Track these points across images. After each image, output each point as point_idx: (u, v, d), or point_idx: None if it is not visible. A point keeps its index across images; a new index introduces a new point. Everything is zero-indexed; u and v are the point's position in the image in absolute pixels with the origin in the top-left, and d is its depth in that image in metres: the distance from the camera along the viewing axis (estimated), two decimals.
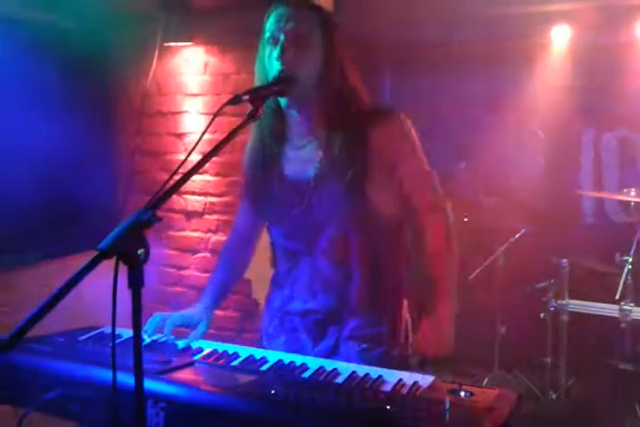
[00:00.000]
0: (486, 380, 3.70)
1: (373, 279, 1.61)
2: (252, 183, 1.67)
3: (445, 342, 1.50)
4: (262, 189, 1.63)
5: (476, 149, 4.27)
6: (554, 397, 3.32)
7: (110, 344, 1.39)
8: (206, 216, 3.42)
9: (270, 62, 1.51)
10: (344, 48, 1.56)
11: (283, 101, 1.55)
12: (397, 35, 3.98)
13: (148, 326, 1.62)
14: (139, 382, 1.07)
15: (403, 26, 3.95)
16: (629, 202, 3.45)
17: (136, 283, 1.05)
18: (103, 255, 1.01)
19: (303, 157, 1.59)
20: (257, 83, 1.57)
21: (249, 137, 3.12)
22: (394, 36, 3.98)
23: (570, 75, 4.13)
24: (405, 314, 1.69)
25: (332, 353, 1.62)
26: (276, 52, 1.49)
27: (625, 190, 3.39)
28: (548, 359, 3.43)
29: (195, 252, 3.46)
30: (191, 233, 3.46)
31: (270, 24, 1.52)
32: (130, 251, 1.03)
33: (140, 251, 1.05)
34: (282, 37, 1.49)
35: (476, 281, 3.72)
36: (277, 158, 1.61)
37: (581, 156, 4.34)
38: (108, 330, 1.64)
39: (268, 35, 1.52)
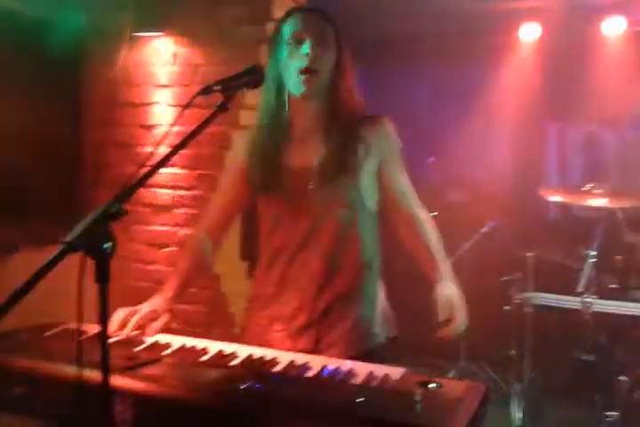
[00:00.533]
0: (453, 372, 3.76)
1: (362, 267, 1.72)
2: (256, 173, 1.73)
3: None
4: (266, 179, 1.71)
5: (445, 144, 4.31)
6: (518, 388, 3.38)
7: (77, 339, 1.37)
8: (175, 210, 3.38)
9: (292, 59, 1.64)
10: (349, 52, 1.73)
11: (300, 90, 1.65)
12: (368, 28, 3.99)
13: (112, 322, 1.59)
14: (105, 377, 1.06)
15: (374, 19, 3.96)
16: (592, 197, 3.51)
17: (103, 277, 1.04)
18: (69, 249, 0.99)
19: (306, 149, 1.70)
20: (269, 82, 1.67)
21: (218, 129, 3.12)
22: (365, 30, 3.99)
23: (538, 71, 4.19)
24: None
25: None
26: (303, 50, 1.63)
27: (587, 186, 3.46)
28: (513, 351, 3.49)
29: (162, 246, 3.42)
30: (159, 227, 3.42)
31: (292, 26, 1.67)
32: (96, 245, 1.02)
33: (107, 245, 1.03)
34: (307, 37, 1.64)
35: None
36: (280, 150, 1.71)
37: (547, 151, 4.42)
38: (73, 326, 1.61)
39: (288, 35, 1.66)
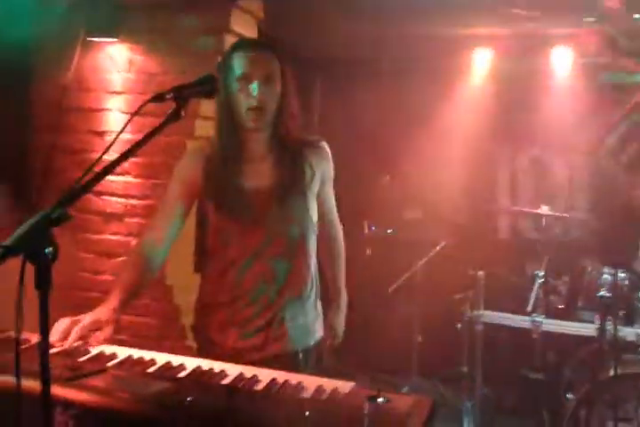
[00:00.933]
0: (405, 388, 3.76)
1: (309, 278, 1.93)
2: (215, 193, 1.85)
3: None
4: (224, 198, 1.83)
5: (400, 164, 4.37)
6: (469, 405, 3.41)
7: (17, 349, 1.31)
8: (127, 219, 3.31)
9: (241, 97, 1.78)
10: (294, 82, 1.87)
11: (249, 125, 1.81)
12: (327, 51, 4.03)
13: (54, 332, 1.54)
14: (45, 387, 1.01)
15: (333, 42, 4.01)
16: (541, 219, 3.60)
17: (43, 283, 0.99)
18: (8, 253, 0.95)
19: (259, 171, 1.85)
20: (221, 107, 1.83)
21: (174, 139, 3.08)
22: (324, 52, 4.03)
23: (489, 95, 4.30)
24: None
25: None
26: (252, 90, 1.77)
27: (538, 208, 3.55)
28: (464, 368, 3.52)
29: (113, 256, 3.34)
30: (110, 236, 3.34)
31: (242, 64, 1.79)
32: (37, 249, 0.98)
33: (48, 249, 0.99)
34: (255, 79, 1.77)
35: (397, 292, 3.78)
36: (237, 172, 1.84)
37: (498, 173, 4.53)
38: (13, 334, 1.55)
39: (240, 73, 1.79)
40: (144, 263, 1.82)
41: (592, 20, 3.55)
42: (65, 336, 1.54)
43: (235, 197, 1.82)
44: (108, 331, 1.61)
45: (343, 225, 2.14)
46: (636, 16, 3.46)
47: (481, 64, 4.35)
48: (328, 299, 2.11)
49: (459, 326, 3.50)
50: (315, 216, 1.93)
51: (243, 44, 1.88)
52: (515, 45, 4.08)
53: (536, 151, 4.48)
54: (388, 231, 3.64)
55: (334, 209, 2.07)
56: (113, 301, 1.70)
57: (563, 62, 4.20)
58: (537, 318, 3.24)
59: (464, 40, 4.12)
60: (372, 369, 3.59)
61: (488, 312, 3.41)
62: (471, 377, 3.44)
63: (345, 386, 1.35)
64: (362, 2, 3.39)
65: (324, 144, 1.97)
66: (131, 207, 3.29)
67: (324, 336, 2.00)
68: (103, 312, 1.65)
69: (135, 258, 1.84)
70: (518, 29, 3.90)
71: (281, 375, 1.40)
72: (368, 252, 4.08)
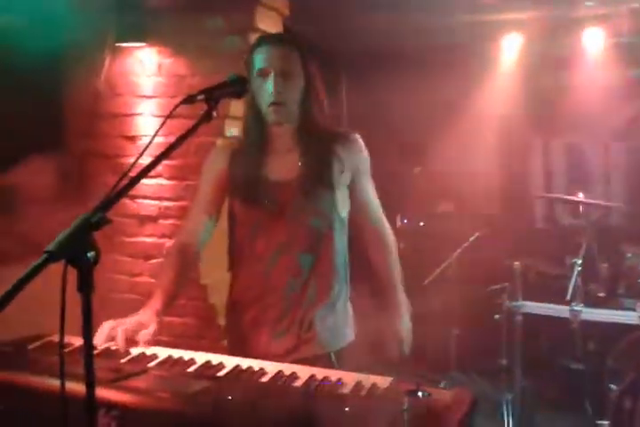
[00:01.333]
0: (443, 382, 3.73)
1: (337, 275, 1.87)
2: (240, 186, 1.84)
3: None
4: (248, 191, 1.83)
5: (431, 155, 4.33)
6: (509, 398, 3.37)
7: (61, 352, 1.35)
8: (161, 221, 3.35)
9: (261, 92, 1.79)
10: (319, 71, 1.86)
11: (271, 119, 1.80)
12: (351, 45, 4.01)
13: (99, 335, 1.57)
14: (90, 390, 1.04)
15: (359, 35, 3.98)
16: (577, 206, 3.54)
17: (86, 287, 1.02)
18: (51, 258, 0.97)
19: (285, 164, 1.83)
20: (245, 105, 1.86)
21: (205, 140, 3.10)
22: (348, 47, 4.01)
23: (520, 82, 4.23)
24: None
25: None
26: (268, 86, 1.76)
27: (575, 195, 3.49)
28: (503, 361, 3.48)
29: (149, 257, 3.39)
30: (145, 238, 3.39)
31: (260, 60, 1.79)
32: (79, 253, 1.00)
33: (90, 253, 1.01)
34: (272, 74, 1.76)
35: (432, 285, 3.76)
36: (262, 164, 1.84)
37: (531, 162, 4.45)
38: (57, 338, 1.58)
39: (258, 69, 1.79)
40: (181, 264, 1.84)
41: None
42: (110, 339, 1.57)
43: (259, 189, 1.81)
44: (151, 333, 1.63)
45: None
46: None
47: (510, 50, 4.29)
48: (385, 303, 1.90)
49: (497, 317, 3.46)
50: (344, 211, 1.88)
51: (263, 39, 1.87)
52: (544, 29, 4.00)
53: (570, 137, 4.40)
54: (421, 224, 3.62)
55: (374, 204, 1.96)
56: (155, 303, 1.72)
57: (595, 44, 4.11)
58: (576, 307, 3.18)
59: (492, 26, 4.06)
60: (409, 364, 3.57)
61: (527, 303, 3.36)
62: (510, 370, 3.40)
63: (384, 381, 1.35)
64: None
65: (356, 137, 1.92)
66: (164, 209, 3.33)
67: (387, 346, 1.82)
68: (147, 315, 1.67)
69: (172, 259, 1.86)
70: (547, 12, 3.83)
71: (320, 372, 1.41)
72: (401, 245, 4.05)
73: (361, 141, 1.92)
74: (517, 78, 4.24)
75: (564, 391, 3.30)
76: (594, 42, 4.10)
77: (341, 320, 1.88)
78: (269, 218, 1.81)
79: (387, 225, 1.98)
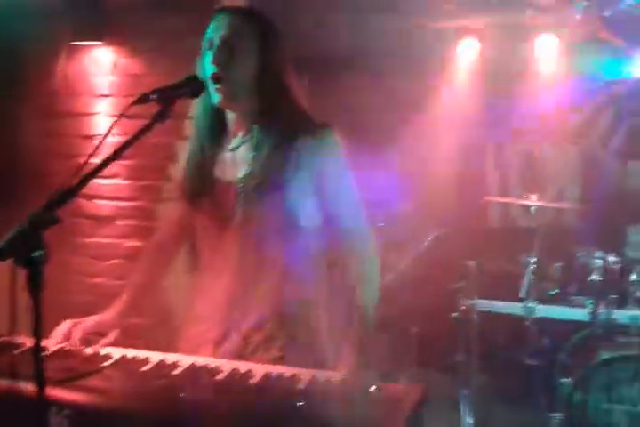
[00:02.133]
0: (402, 378, 3.78)
1: (298, 289, 1.60)
2: (188, 186, 1.64)
3: None
4: (193, 193, 1.62)
5: (389, 157, 4.37)
6: (466, 393, 3.43)
7: (11, 353, 1.33)
8: (118, 221, 3.32)
9: (205, 67, 1.56)
10: (284, 54, 1.61)
11: (215, 98, 1.55)
12: (313, 49, 4.01)
13: (55, 334, 1.55)
14: (40, 390, 1.03)
15: (317, 39, 4.00)
16: (530, 207, 3.63)
17: (34, 287, 1.00)
18: None
19: (235, 159, 1.60)
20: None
21: (162, 140, 3.08)
22: (310, 50, 4.01)
23: (476, 87, 4.31)
24: None
25: None
26: (209, 56, 1.55)
27: (525, 196, 3.59)
28: (461, 357, 3.54)
29: (106, 258, 3.35)
30: (102, 239, 3.35)
31: (210, 29, 1.58)
32: (26, 252, 0.99)
33: (38, 253, 1.00)
34: (216, 42, 1.55)
35: (391, 284, 3.80)
36: (209, 161, 1.62)
37: (487, 164, 4.55)
38: (7, 339, 1.56)
39: (205, 39, 1.59)
40: (151, 265, 1.77)
41: (585, 4, 3.57)
42: (66, 338, 1.54)
43: (206, 189, 1.60)
44: (112, 334, 1.60)
45: None
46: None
47: (466, 56, 4.36)
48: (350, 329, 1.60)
49: (454, 315, 3.52)
50: (304, 219, 1.57)
51: (220, 9, 1.63)
52: (499, 35, 4.09)
53: (525, 140, 4.50)
54: (380, 225, 3.66)
55: (351, 211, 1.61)
56: (119, 304, 1.68)
57: (548, 50, 4.21)
58: (530, 305, 3.27)
59: (449, 31, 4.14)
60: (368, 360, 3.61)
61: (482, 301, 3.43)
62: (467, 366, 3.46)
63: (338, 376, 1.37)
64: None
65: (329, 132, 1.59)
66: (121, 210, 3.30)
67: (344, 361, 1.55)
68: (107, 315, 1.64)
69: (142, 260, 1.79)
70: (501, 19, 3.92)
71: (275, 369, 1.42)
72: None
73: (333, 136, 1.59)
74: (474, 82, 4.32)
75: (519, 386, 3.37)
76: (547, 47, 4.20)
77: (310, 338, 1.61)
78: (217, 223, 1.59)
79: (365, 237, 1.63)
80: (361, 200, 1.64)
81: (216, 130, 1.63)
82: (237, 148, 1.62)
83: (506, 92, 4.16)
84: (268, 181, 1.53)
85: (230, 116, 1.62)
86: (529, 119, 4.31)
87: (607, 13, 3.77)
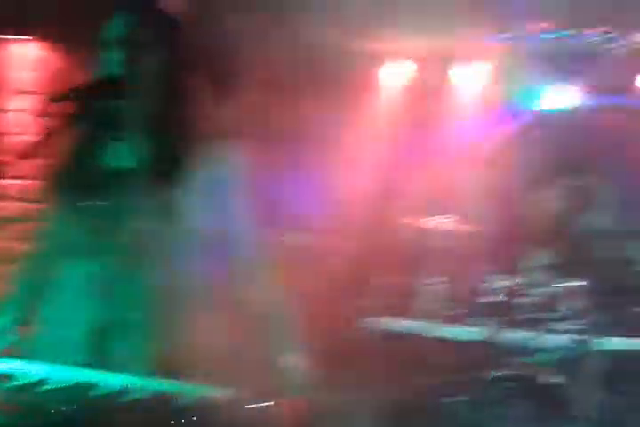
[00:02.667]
0: (302, 395, 3.78)
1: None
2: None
3: None
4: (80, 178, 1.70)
5: (301, 177, 4.36)
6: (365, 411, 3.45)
7: None
8: None
9: (112, 63, 1.56)
10: (188, 52, 1.60)
11: (115, 94, 1.52)
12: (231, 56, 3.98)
13: None
14: None
15: (249, 50, 3.98)
16: (432, 230, 3.75)
17: None
18: None
19: (122, 151, 1.61)
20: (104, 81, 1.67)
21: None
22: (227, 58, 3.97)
23: (401, 107, 4.41)
24: None
25: None
26: (115, 56, 1.52)
27: (436, 217, 3.71)
28: (364, 374, 3.57)
29: None
30: None
31: (115, 29, 1.58)
32: None
33: None
34: (121, 43, 1.56)
35: (298, 299, 3.79)
36: (97, 148, 1.71)
37: (404, 185, 4.63)
38: None
39: (112, 39, 1.61)
40: None
41: (507, 36, 3.74)
42: None
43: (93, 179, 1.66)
44: None
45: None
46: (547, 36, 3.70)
47: (394, 76, 4.47)
48: None
49: (357, 333, 3.55)
50: (190, 216, 1.65)
51: (124, 10, 1.72)
52: (426, 59, 4.22)
53: (441, 163, 4.61)
54: (283, 239, 3.65)
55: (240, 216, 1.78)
56: None
57: (466, 76, 4.38)
58: (426, 324, 3.36)
59: (379, 52, 4.22)
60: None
61: (385, 319, 3.50)
62: (366, 384, 3.50)
63: (226, 392, 1.41)
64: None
65: (230, 145, 1.72)
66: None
67: None
68: None
69: None
70: (429, 44, 4.04)
71: (163, 384, 1.43)
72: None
73: (233, 151, 1.70)
74: (397, 105, 4.42)
75: (411, 403, 3.44)
76: (466, 73, 4.37)
77: None
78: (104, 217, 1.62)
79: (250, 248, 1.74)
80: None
81: (109, 122, 1.60)
82: (132, 137, 1.65)
83: (425, 117, 4.28)
84: (152, 174, 1.64)
85: (123, 107, 1.61)
86: (447, 141, 4.42)
87: (527, 46, 3.96)
